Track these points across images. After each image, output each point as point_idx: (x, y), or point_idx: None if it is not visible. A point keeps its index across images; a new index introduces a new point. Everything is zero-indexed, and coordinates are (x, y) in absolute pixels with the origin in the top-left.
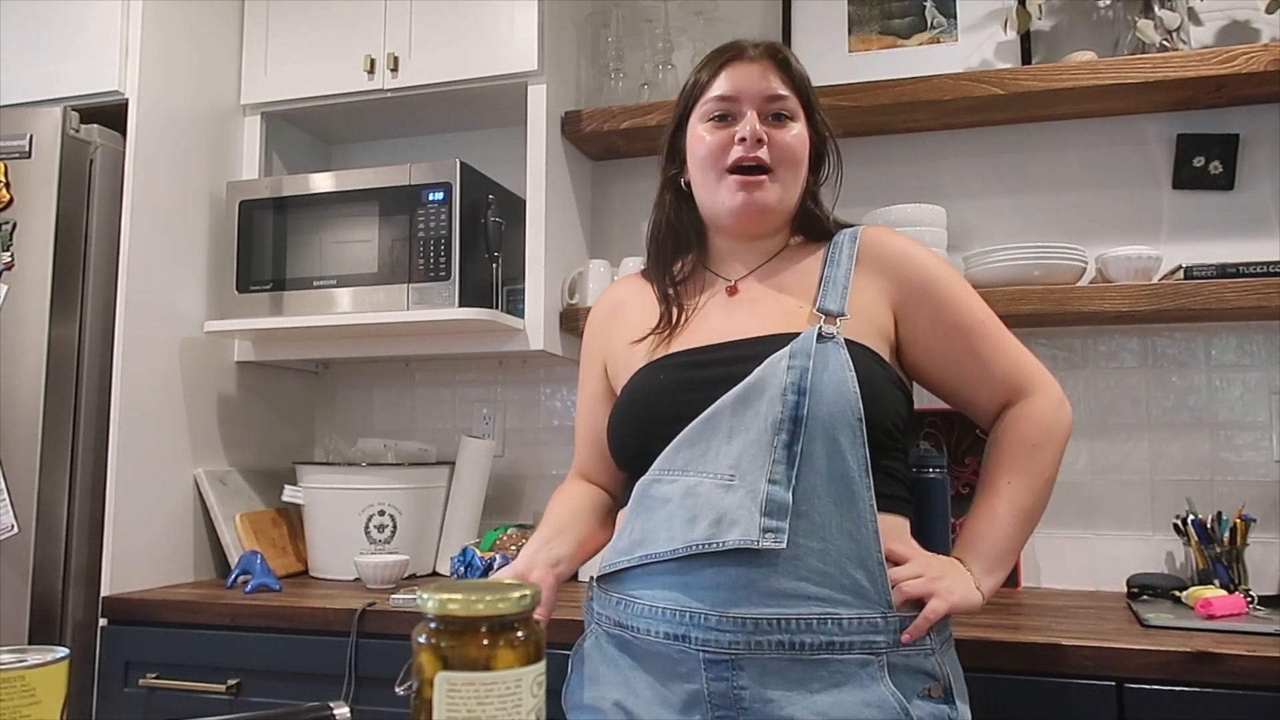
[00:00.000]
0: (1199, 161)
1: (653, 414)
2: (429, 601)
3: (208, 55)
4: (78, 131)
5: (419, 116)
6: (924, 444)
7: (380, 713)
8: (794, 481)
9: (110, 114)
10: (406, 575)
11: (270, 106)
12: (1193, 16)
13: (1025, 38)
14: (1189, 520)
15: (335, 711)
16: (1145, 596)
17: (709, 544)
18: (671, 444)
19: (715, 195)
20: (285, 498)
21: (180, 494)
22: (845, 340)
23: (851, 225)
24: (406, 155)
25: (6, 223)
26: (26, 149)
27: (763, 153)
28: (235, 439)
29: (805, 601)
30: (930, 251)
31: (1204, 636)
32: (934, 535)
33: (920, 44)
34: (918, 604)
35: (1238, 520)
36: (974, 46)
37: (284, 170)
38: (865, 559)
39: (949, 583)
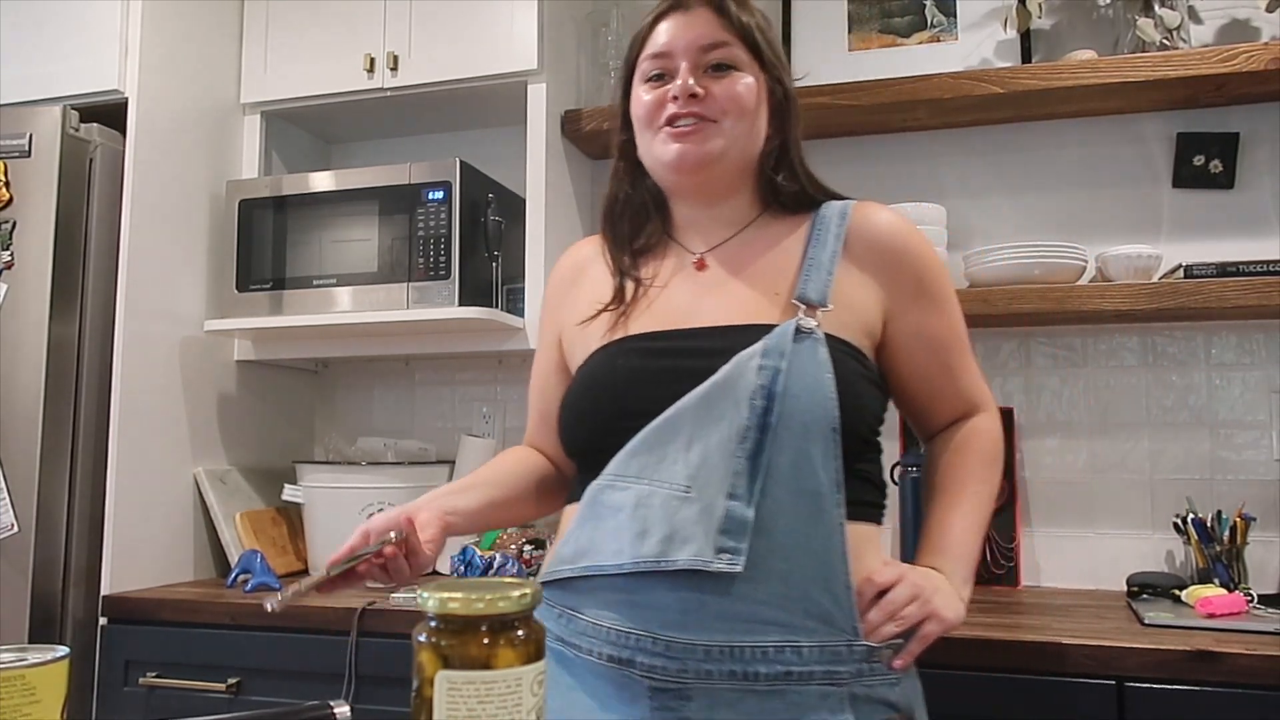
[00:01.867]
0: (1199, 160)
1: (608, 407)
2: (429, 600)
3: (207, 54)
4: (77, 130)
5: (419, 115)
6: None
7: (380, 712)
8: (756, 496)
9: (110, 113)
10: None
11: (270, 105)
12: (1193, 15)
13: (1025, 36)
14: (1189, 519)
15: (335, 710)
16: (1145, 595)
17: (658, 562)
18: (627, 447)
19: (653, 152)
20: (285, 497)
21: (180, 493)
22: (825, 335)
23: (841, 197)
24: (406, 154)
25: (6, 222)
26: (26, 148)
27: (700, 107)
28: (235, 438)
29: (762, 628)
30: (927, 244)
31: (1204, 635)
32: None
33: (920, 43)
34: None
35: (1238, 519)
36: (974, 45)
37: (284, 169)
38: (831, 581)
39: (940, 600)
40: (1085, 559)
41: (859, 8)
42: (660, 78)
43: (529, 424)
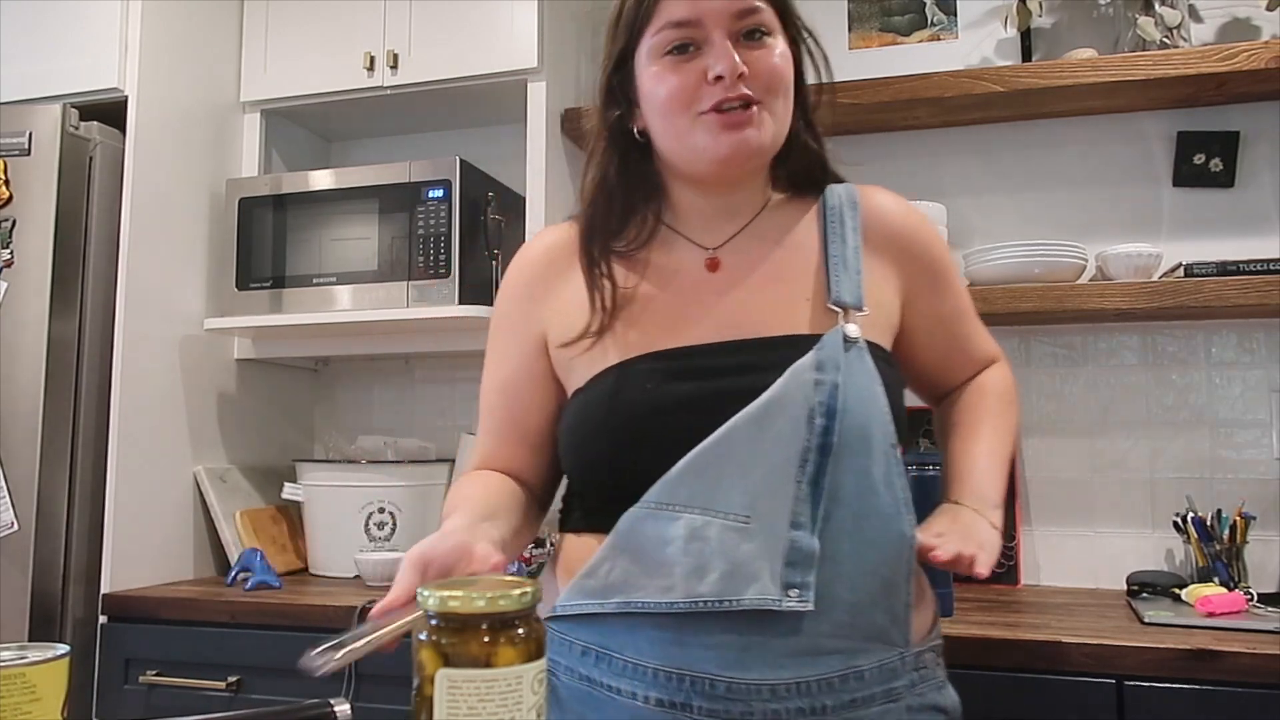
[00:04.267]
0: (1199, 159)
1: (643, 435)
2: (430, 599)
3: (207, 52)
4: (77, 129)
5: (419, 114)
6: (924, 442)
7: (381, 710)
8: (820, 523)
9: (110, 111)
10: None
11: (270, 104)
12: (1193, 14)
13: (1025, 35)
14: (1189, 518)
15: (336, 709)
16: (1145, 594)
17: (720, 602)
18: (673, 472)
19: (689, 142)
20: (285, 495)
21: (180, 491)
22: (866, 343)
23: (839, 177)
24: (406, 152)
25: (6, 220)
26: (26, 146)
27: (745, 88)
28: (235, 436)
29: (826, 658)
30: (931, 227)
31: (1204, 634)
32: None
33: (920, 41)
34: (920, 597)
35: (1237, 518)
36: (974, 44)
37: (283, 167)
38: (894, 602)
39: (977, 539)
40: (1085, 558)
41: (859, 6)
42: (684, 49)
43: (486, 443)
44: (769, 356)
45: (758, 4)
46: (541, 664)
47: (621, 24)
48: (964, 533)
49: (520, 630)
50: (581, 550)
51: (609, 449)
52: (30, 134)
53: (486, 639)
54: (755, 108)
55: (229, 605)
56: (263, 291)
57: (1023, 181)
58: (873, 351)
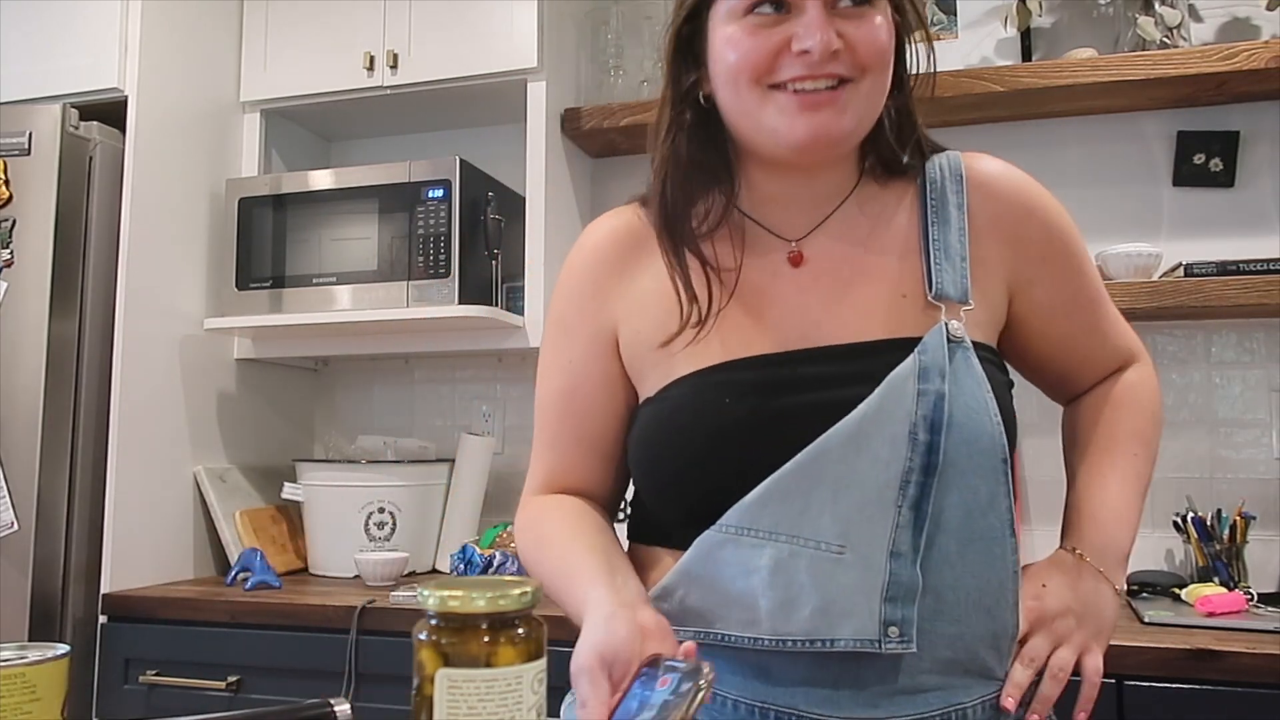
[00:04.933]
0: (1199, 158)
1: (719, 456)
2: (429, 598)
3: (207, 52)
4: (77, 129)
5: (418, 114)
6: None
7: (381, 710)
8: (921, 552)
9: (110, 111)
10: (406, 572)
11: (270, 104)
12: (1193, 13)
13: (1025, 35)
14: (1189, 518)
15: (336, 708)
16: (1145, 594)
17: (813, 642)
18: (754, 495)
19: (759, 120)
20: (285, 495)
21: (180, 491)
22: (973, 343)
23: (940, 147)
24: (406, 152)
25: (6, 220)
26: (26, 146)
27: (836, 66)
28: (235, 436)
29: (924, 695)
30: (1053, 200)
31: (1204, 634)
32: None
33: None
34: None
35: (1237, 518)
36: (974, 43)
37: (283, 167)
38: (999, 637)
39: (1090, 625)
40: None
41: None
42: (769, 10)
43: (549, 457)
44: (862, 365)
45: None
46: (541, 664)
47: None
48: (1083, 610)
49: (520, 630)
50: (651, 562)
51: (682, 469)
52: (30, 134)
53: (486, 639)
54: (844, 87)
55: (229, 605)
56: (262, 291)
57: None
58: (981, 353)
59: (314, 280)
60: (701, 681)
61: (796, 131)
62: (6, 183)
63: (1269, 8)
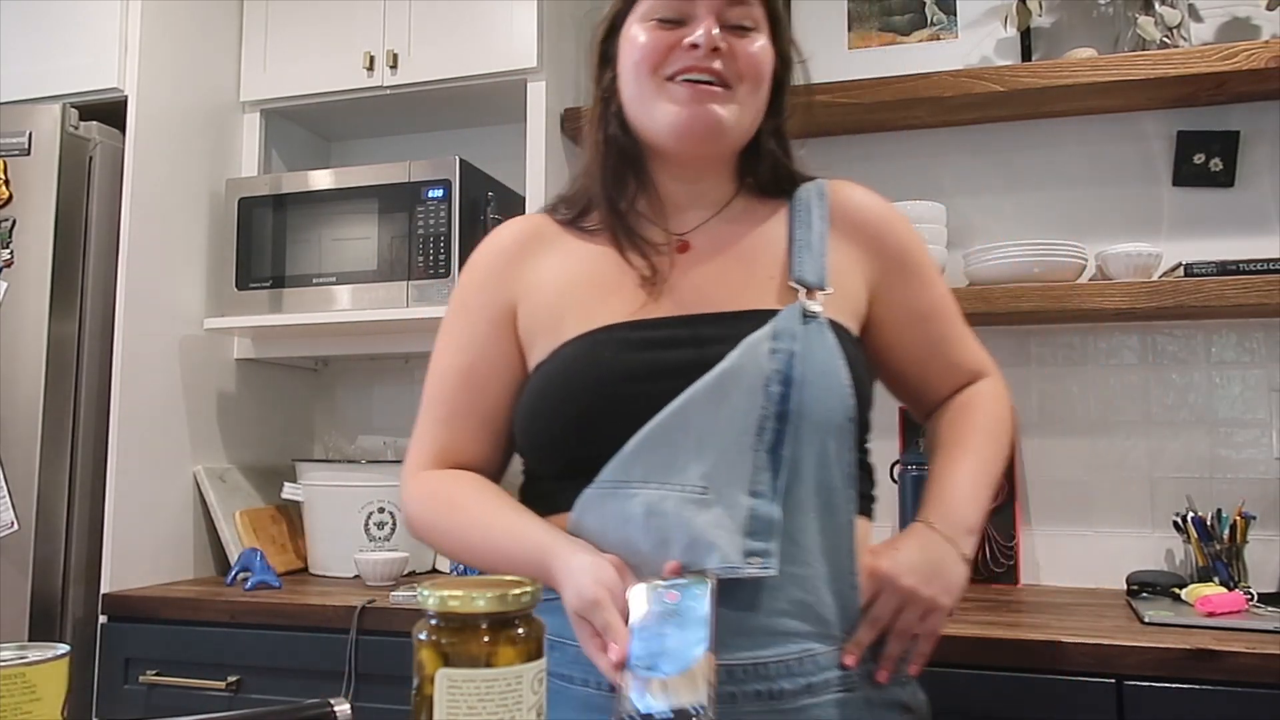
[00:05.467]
0: (1199, 158)
1: (600, 405)
2: (429, 598)
3: (207, 52)
4: (77, 129)
5: (418, 113)
6: (924, 441)
7: (381, 710)
8: (780, 493)
9: (109, 111)
10: (406, 572)
11: (270, 103)
12: (1193, 13)
13: (1025, 34)
14: (1189, 517)
15: (336, 708)
16: (1145, 594)
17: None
18: (627, 447)
19: (652, 108)
20: (285, 495)
21: (180, 491)
22: (828, 320)
23: (809, 177)
24: (406, 152)
25: (6, 220)
26: (26, 146)
27: (719, 64)
28: (235, 436)
29: (784, 640)
30: (903, 217)
31: (1203, 634)
32: None
33: (920, 41)
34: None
35: (1237, 517)
36: (974, 43)
37: (283, 167)
38: (841, 583)
39: (937, 585)
40: (1085, 557)
41: (859, 6)
42: (671, 22)
43: (441, 434)
44: (726, 330)
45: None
46: (541, 663)
47: None
48: (930, 571)
49: (520, 630)
50: None
51: (566, 419)
52: (30, 134)
53: (486, 639)
54: (725, 90)
55: (229, 605)
56: (262, 291)
57: (1023, 181)
58: (835, 329)
59: (314, 280)
60: (711, 583)
61: (683, 117)
62: (6, 183)
63: (1269, 8)
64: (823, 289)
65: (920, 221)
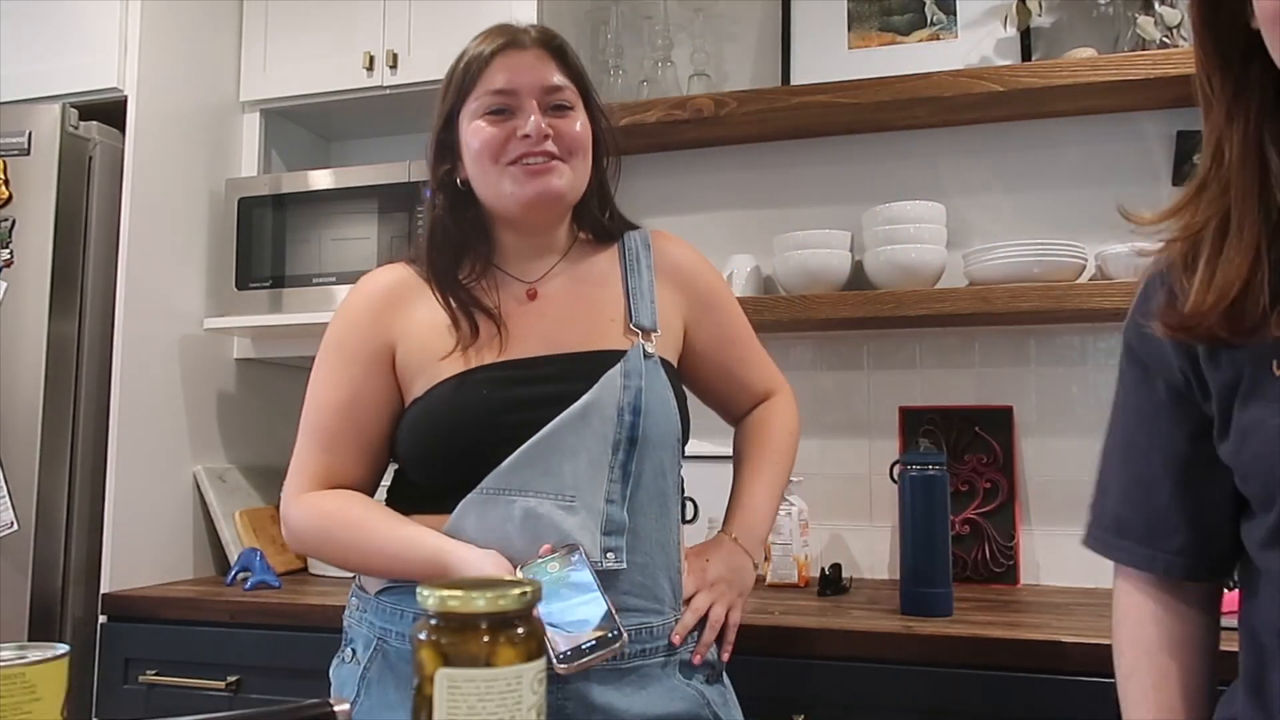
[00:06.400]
0: (1199, 158)
1: (481, 435)
2: (429, 598)
3: (207, 52)
4: (77, 128)
5: (418, 113)
6: (924, 441)
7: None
8: (627, 500)
9: (109, 111)
10: None
11: (269, 103)
12: None
13: (1025, 34)
14: None
15: (336, 708)
16: None
17: None
18: (508, 462)
19: (498, 188)
20: None
21: (179, 491)
22: (660, 358)
23: (632, 224)
24: (406, 152)
25: (6, 220)
26: (26, 146)
27: (549, 145)
28: (234, 436)
29: (626, 615)
30: (711, 267)
31: None
32: (935, 529)
33: (920, 41)
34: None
35: None
36: (974, 43)
37: (283, 167)
38: (670, 569)
39: (739, 586)
40: (1085, 557)
41: (859, 6)
42: (502, 113)
43: (324, 460)
44: (584, 367)
45: (563, 83)
46: (541, 663)
47: (451, 87)
48: (733, 576)
49: (520, 630)
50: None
51: (450, 445)
52: (30, 134)
53: (486, 638)
54: (556, 162)
55: (229, 605)
56: (262, 291)
57: (1022, 181)
58: (664, 366)
59: (314, 280)
60: (579, 552)
61: (525, 192)
62: (6, 183)
63: None
64: (655, 331)
65: (920, 221)
